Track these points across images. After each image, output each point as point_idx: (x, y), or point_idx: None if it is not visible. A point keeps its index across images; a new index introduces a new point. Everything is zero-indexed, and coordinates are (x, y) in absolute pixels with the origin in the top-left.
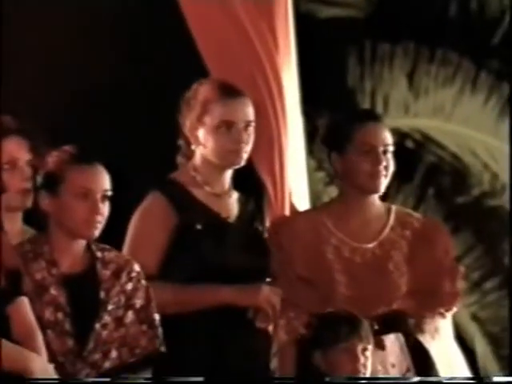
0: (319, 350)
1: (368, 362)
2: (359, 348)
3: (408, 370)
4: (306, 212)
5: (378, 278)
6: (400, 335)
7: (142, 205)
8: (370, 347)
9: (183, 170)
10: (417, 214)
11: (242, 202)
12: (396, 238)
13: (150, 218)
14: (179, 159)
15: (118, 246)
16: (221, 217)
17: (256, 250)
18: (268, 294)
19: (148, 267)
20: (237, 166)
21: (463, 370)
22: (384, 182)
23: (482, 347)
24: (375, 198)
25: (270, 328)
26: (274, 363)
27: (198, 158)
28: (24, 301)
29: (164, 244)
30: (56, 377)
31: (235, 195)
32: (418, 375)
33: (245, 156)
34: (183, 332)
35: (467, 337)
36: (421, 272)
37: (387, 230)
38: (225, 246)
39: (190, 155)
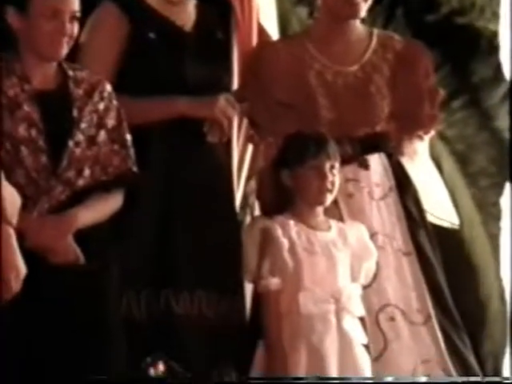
0: (287, 169)
1: (336, 179)
2: (327, 166)
3: (390, 190)
4: (286, 38)
5: (360, 101)
6: (383, 156)
7: (93, 15)
8: (337, 165)
9: None
10: (399, 37)
11: (201, 10)
12: (378, 61)
13: (101, 28)
14: None
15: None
16: (176, 25)
17: (215, 61)
18: (224, 106)
19: None
20: None
21: (441, 193)
22: (363, 7)
23: (449, 165)
24: (356, 22)
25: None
26: (251, 185)
27: None
28: None
29: (117, 55)
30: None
31: (193, 2)
32: (399, 196)
33: None
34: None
35: (435, 155)
36: (402, 95)
37: (369, 52)
38: (180, 56)
39: None
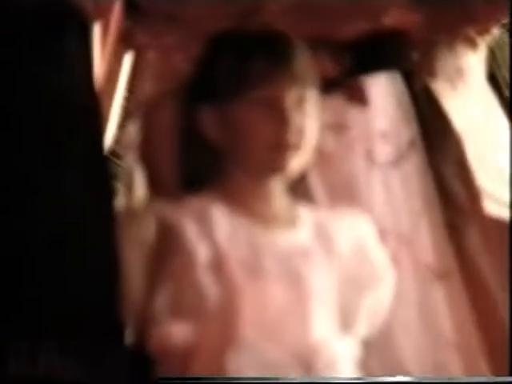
0: (210, 103)
1: (306, 122)
2: (290, 96)
3: (411, 146)
4: None
5: None
6: (398, 77)
7: None
8: (314, 95)
9: None
10: None
11: None
12: None
13: None
14: None
15: None
16: None
17: None
18: None
19: None
20: None
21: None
22: None
23: None
24: None
25: None
26: (129, 132)
27: None
28: None
29: None
30: None
31: None
32: (428, 157)
33: None
34: None
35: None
36: None
37: None
38: None
39: None
